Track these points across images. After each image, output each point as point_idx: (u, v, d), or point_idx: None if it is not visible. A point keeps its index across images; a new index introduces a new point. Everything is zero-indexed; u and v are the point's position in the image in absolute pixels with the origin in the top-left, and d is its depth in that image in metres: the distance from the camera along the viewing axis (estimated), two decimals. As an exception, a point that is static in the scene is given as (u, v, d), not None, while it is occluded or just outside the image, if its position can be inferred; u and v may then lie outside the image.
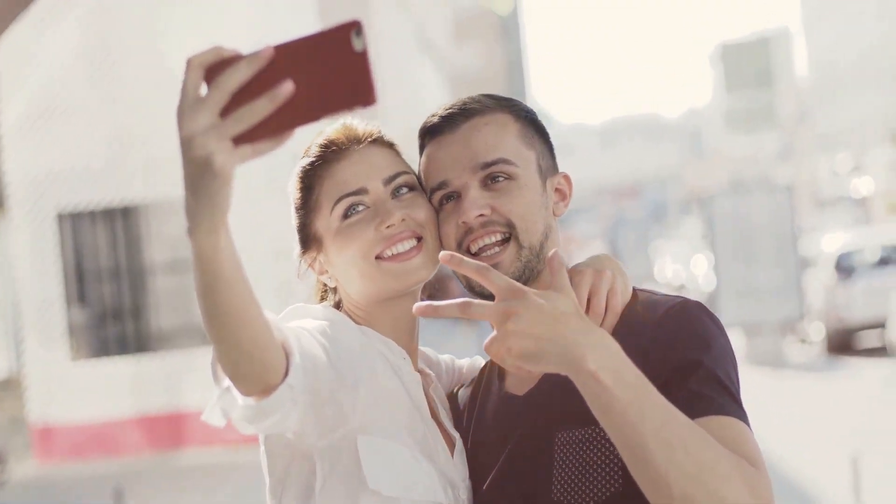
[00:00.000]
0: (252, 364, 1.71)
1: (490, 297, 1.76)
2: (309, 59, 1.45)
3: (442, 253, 1.82)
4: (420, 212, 2.10)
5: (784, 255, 18.62)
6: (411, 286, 2.11)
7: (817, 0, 69.44)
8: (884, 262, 18.99)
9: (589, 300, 2.03)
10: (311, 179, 2.13)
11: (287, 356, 1.79)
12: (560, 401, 1.96)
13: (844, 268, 18.83)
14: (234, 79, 1.44)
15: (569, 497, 1.96)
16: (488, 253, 2.06)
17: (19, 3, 6.84)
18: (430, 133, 2.14)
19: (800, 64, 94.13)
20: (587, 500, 1.95)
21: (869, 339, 18.74)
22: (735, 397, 1.88)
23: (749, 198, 19.23)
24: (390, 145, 2.17)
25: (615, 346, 1.74)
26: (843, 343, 18.49)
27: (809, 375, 16.74)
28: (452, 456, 2.10)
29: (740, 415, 1.86)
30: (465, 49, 54.36)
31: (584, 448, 1.95)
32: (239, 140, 1.45)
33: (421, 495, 2.01)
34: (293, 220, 2.16)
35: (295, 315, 2.08)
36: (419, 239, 2.10)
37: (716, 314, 2.02)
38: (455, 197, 2.09)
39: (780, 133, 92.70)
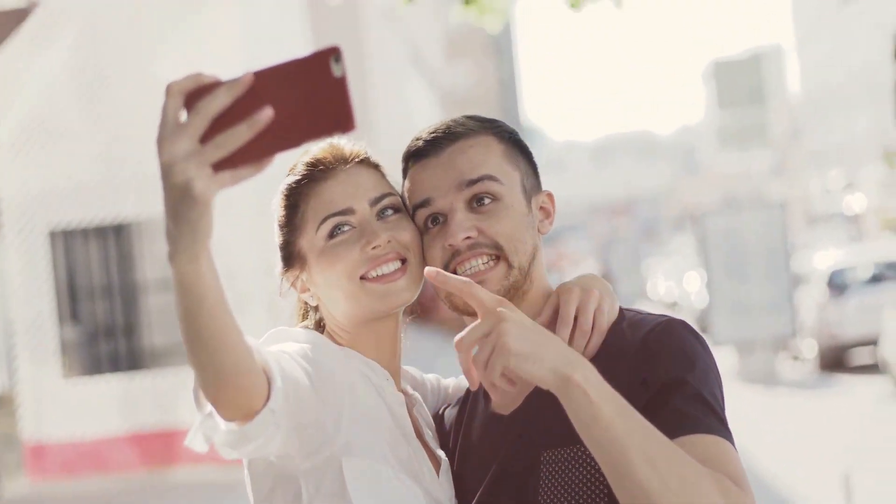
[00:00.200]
0: (233, 390, 1.71)
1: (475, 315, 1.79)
2: (288, 85, 1.46)
3: (427, 269, 1.83)
4: (405, 234, 2.10)
5: (777, 272, 18.60)
6: (395, 308, 2.11)
7: (809, 18, 69.63)
8: (876, 279, 18.97)
9: (576, 318, 2.03)
10: (296, 197, 2.12)
11: (269, 381, 1.78)
12: (545, 420, 1.97)
13: (837, 285, 18.81)
14: (214, 105, 1.45)
15: (555, 516, 1.96)
16: (475, 271, 2.05)
17: (10, 22, 6.87)
18: (414, 156, 2.13)
19: (792, 81, 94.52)
20: (573, 518, 1.95)
21: (861, 357, 18.72)
22: (720, 416, 1.89)
23: (742, 215, 19.22)
24: (376, 166, 2.17)
25: (594, 368, 1.78)
26: (835, 360, 18.46)
27: (802, 392, 16.72)
28: (438, 476, 2.10)
29: (725, 434, 1.87)
30: (457, 67, 54.40)
31: (570, 467, 1.96)
32: (219, 166, 1.46)
33: (407, 515, 2.02)
34: (276, 238, 2.16)
35: (276, 338, 2.08)
36: (403, 261, 2.10)
37: (707, 331, 2.03)
38: (441, 220, 2.09)
39: (772, 150, 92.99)
